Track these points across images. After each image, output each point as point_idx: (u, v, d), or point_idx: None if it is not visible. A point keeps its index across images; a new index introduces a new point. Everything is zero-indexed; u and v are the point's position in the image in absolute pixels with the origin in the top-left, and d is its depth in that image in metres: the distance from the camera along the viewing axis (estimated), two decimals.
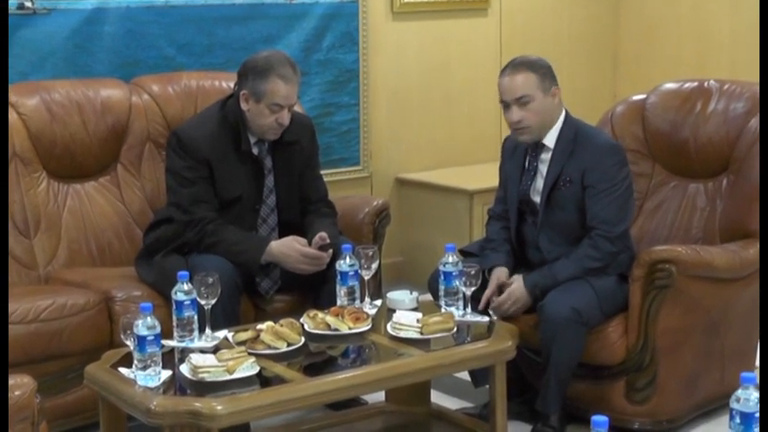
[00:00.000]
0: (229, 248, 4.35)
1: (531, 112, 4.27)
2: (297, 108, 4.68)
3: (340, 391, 3.71)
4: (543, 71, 4.29)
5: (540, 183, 4.37)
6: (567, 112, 4.37)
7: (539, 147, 4.36)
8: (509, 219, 4.47)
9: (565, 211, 4.32)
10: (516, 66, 4.32)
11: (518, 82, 4.27)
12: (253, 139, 4.50)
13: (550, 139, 4.33)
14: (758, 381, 2.72)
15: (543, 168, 4.36)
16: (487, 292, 4.28)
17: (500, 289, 4.31)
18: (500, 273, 4.34)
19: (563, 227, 4.34)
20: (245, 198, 4.50)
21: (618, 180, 4.27)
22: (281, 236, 4.52)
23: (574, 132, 4.33)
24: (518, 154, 4.44)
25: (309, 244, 4.39)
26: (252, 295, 4.52)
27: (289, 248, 4.38)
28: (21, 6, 5.10)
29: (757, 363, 4.67)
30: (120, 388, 3.54)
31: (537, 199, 4.37)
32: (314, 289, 4.47)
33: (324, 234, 4.39)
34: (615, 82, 7.17)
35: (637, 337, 4.22)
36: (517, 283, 4.27)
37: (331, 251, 4.37)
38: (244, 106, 4.43)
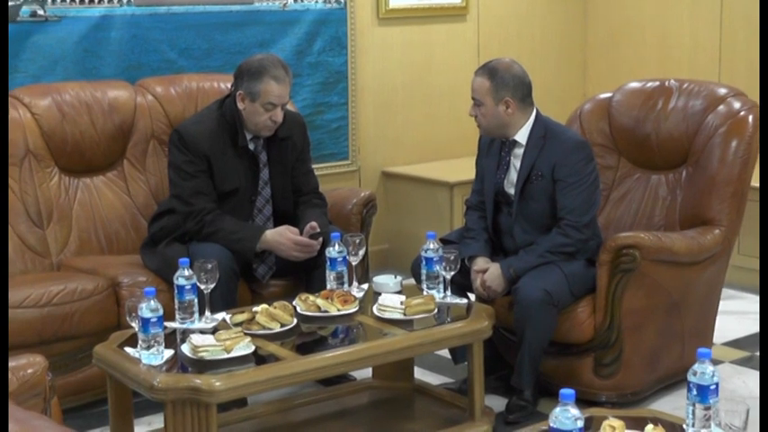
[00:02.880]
0: (227, 237, 4.34)
1: (480, 112, 4.29)
2: (289, 107, 4.68)
3: (330, 368, 3.70)
4: (502, 81, 4.25)
5: (513, 176, 4.36)
6: (537, 110, 4.35)
7: (512, 143, 4.35)
8: (485, 209, 4.47)
9: (537, 202, 4.32)
10: (481, 69, 4.33)
11: (474, 84, 4.30)
12: (249, 136, 4.49)
13: (522, 136, 4.32)
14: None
15: (516, 163, 4.35)
16: (476, 284, 4.29)
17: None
18: (481, 261, 4.34)
19: (535, 217, 4.33)
20: (242, 190, 4.49)
21: (585, 174, 4.26)
22: (275, 225, 4.52)
23: (544, 130, 4.31)
24: (493, 149, 4.44)
25: (301, 233, 4.39)
26: (248, 280, 4.51)
27: (282, 237, 4.38)
28: (33, 14, 5.08)
29: (714, 340, 4.69)
30: (126, 366, 3.54)
31: (511, 191, 4.36)
32: (305, 274, 4.47)
33: (314, 224, 4.39)
34: (584, 82, 7.17)
35: (604, 317, 4.22)
36: (494, 267, 4.28)
37: (321, 239, 4.36)
38: (240, 105, 4.42)
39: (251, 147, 4.50)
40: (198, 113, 4.71)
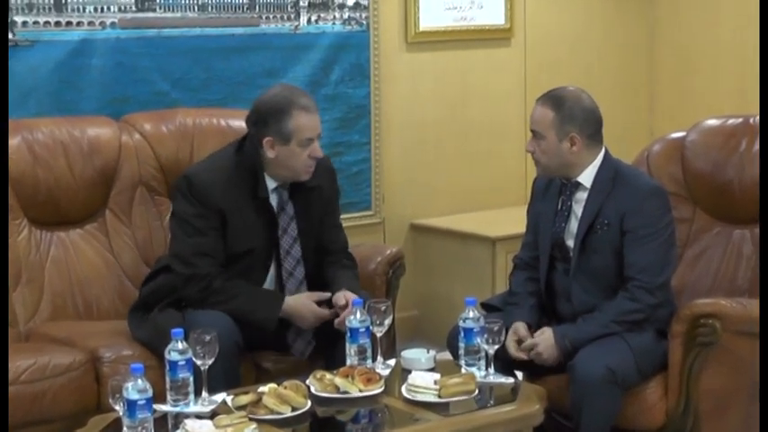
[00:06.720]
0: (240, 307, 4.34)
1: (540, 148, 4.31)
2: None
3: None
4: (569, 114, 4.27)
5: (574, 225, 4.35)
6: (606, 150, 4.36)
7: (574, 185, 4.35)
8: (537, 267, 4.46)
9: (600, 256, 4.31)
10: (545, 98, 4.35)
11: (536, 114, 4.34)
12: (272, 186, 4.49)
13: (587, 178, 4.32)
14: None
15: (578, 209, 4.35)
16: (515, 354, 4.28)
17: (519, 344, 4.31)
18: (517, 327, 4.33)
19: (597, 274, 4.32)
20: (257, 252, 4.48)
21: (660, 226, 4.26)
22: (309, 289, 4.54)
23: (613, 172, 4.32)
24: (551, 193, 4.44)
25: (331, 299, 4.41)
26: (253, 353, 4.50)
27: (304, 307, 4.41)
28: None
29: None
30: None
31: (570, 243, 4.35)
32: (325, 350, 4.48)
33: (349, 294, 4.38)
34: (651, 118, 7.18)
35: (677, 399, 4.20)
36: (546, 334, 4.26)
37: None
38: (270, 154, 4.39)
39: (273, 199, 4.49)
40: (210, 158, 4.64)
